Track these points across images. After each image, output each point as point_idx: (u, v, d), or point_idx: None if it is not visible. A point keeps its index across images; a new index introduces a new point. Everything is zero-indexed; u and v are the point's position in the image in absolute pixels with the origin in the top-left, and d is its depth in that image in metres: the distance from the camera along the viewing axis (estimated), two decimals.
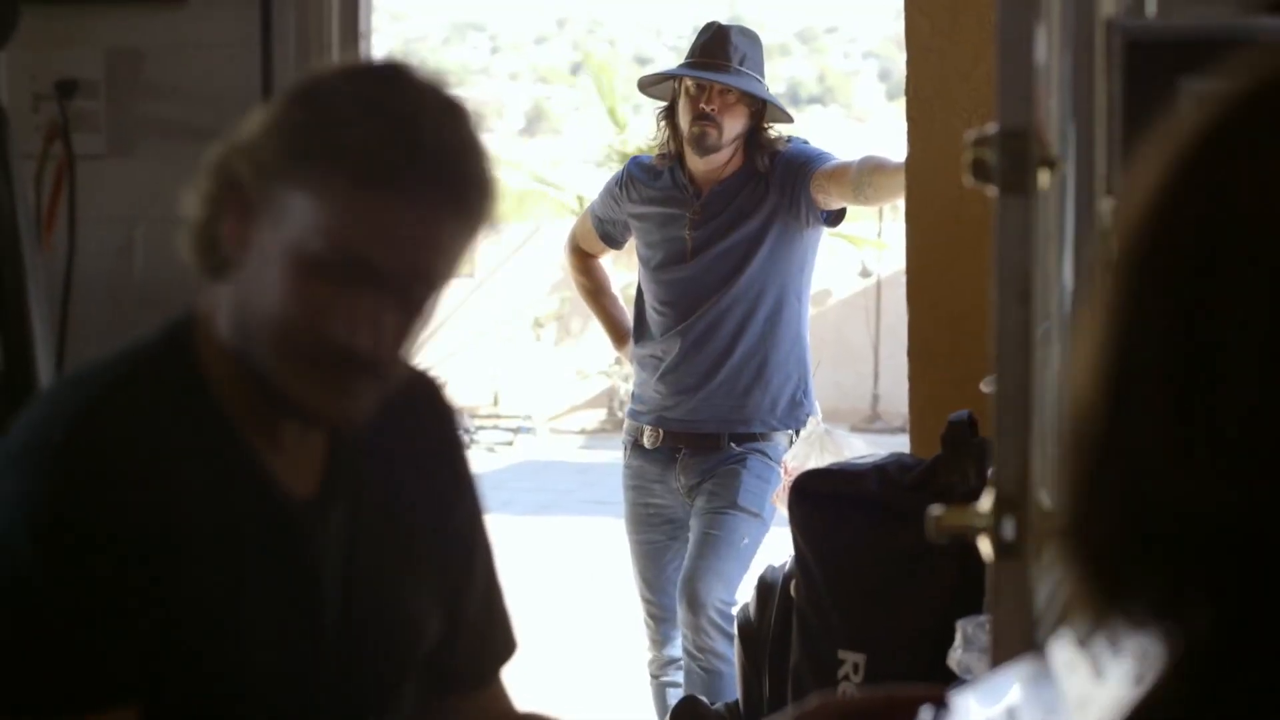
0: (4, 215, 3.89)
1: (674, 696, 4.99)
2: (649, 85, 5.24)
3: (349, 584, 1.97)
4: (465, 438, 2.16)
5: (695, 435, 5.02)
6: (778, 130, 5.06)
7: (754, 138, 5.00)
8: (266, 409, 1.90)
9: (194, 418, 1.90)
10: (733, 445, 4.98)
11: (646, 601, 5.17)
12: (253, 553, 1.89)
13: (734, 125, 4.96)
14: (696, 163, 5.02)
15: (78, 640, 1.78)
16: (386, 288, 1.84)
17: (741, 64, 4.97)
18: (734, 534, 4.90)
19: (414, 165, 1.81)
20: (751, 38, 5.09)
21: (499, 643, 2.20)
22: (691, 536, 4.98)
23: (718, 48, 5.00)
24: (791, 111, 5.24)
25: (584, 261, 5.54)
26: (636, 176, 5.19)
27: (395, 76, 1.86)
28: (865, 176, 4.78)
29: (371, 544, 2.00)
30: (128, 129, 4.46)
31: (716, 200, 5.00)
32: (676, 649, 5.07)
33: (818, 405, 5.13)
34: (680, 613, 4.91)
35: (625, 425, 5.27)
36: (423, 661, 2.07)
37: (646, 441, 5.10)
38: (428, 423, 2.11)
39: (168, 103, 4.35)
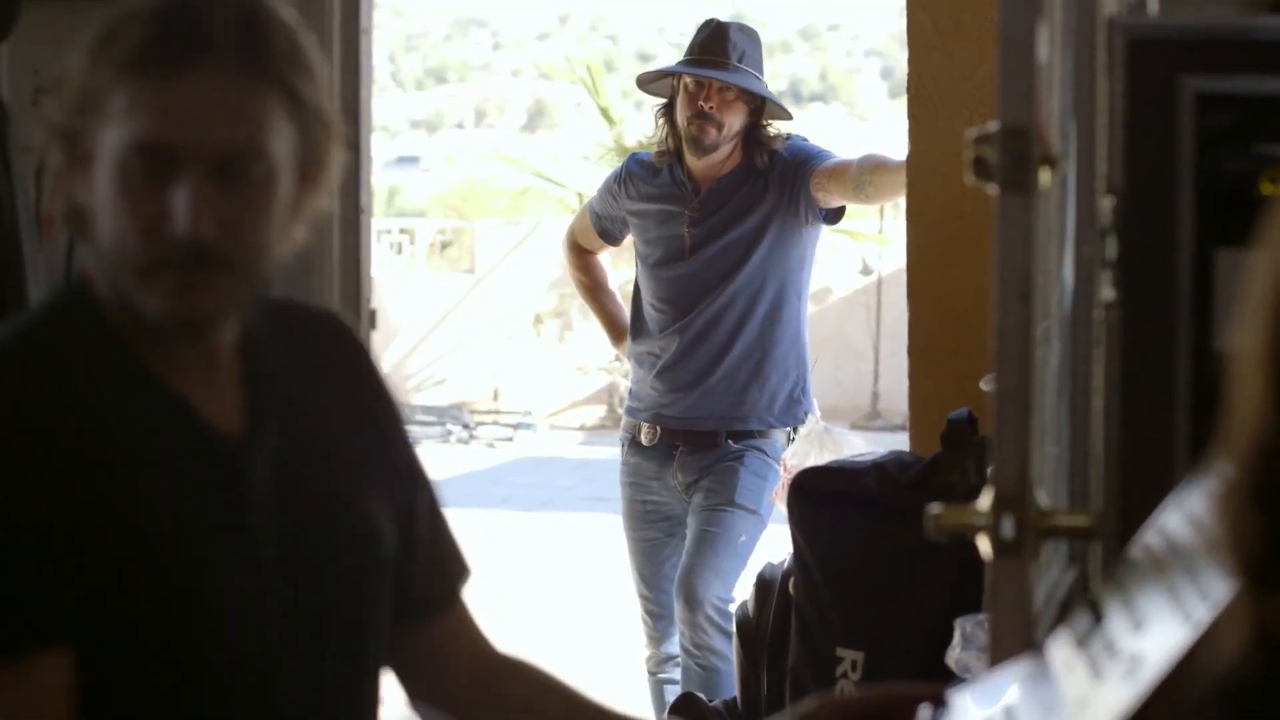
0: (4, 209, 3.88)
1: (671, 694, 4.99)
2: (648, 82, 5.24)
3: (291, 507, 1.95)
4: (380, 371, 2.16)
5: (693, 432, 5.02)
6: (777, 128, 5.06)
7: (753, 135, 4.99)
8: (160, 340, 1.89)
9: (106, 357, 1.90)
10: (730, 442, 4.98)
11: (644, 598, 5.17)
12: (184, 484, 1.87)
13: (733, 122, 4.96)
14: (695, 160, 5.02)
15: (4, 584, 1.77)
16: (195, 169, 1.81)
17: (740, 61, 4.97)
18: (731, 531, 4.90)
19: (190, 38, 1.81)
20: (750, 35, 5.09)
21: (454, 563, 2.19)
22: (689, 533, 4.98)
23: (717, 45, 5.00)
24: (793, 109, 5.24)
25: (582, 258, 5.54)
26: (635, 173, 5.19)
27: None
28: (866, 175, 4.78)
29: (307, 467, 1.99)
30: None
31: (715, 198, 5.00)
32: (674, 646, 5.07)
33: (816, 403, 5.13)
34: (678, 610, 4.91)
35: (623, 422, 5.27)
36: (385, 578, 2.06)
37: (644, 438, 5.09)
38: (340, 354, 2.11)
39: None
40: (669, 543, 5.10)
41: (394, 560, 2.06)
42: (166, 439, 1.88)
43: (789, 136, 5.05)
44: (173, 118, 1.80)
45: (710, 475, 4.97)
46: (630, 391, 5.25)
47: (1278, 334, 0.97)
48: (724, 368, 4.98)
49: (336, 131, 1.92)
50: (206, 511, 1.88)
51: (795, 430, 4.98)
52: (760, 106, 5.01)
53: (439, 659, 2.16)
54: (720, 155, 4.99)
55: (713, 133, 4.95)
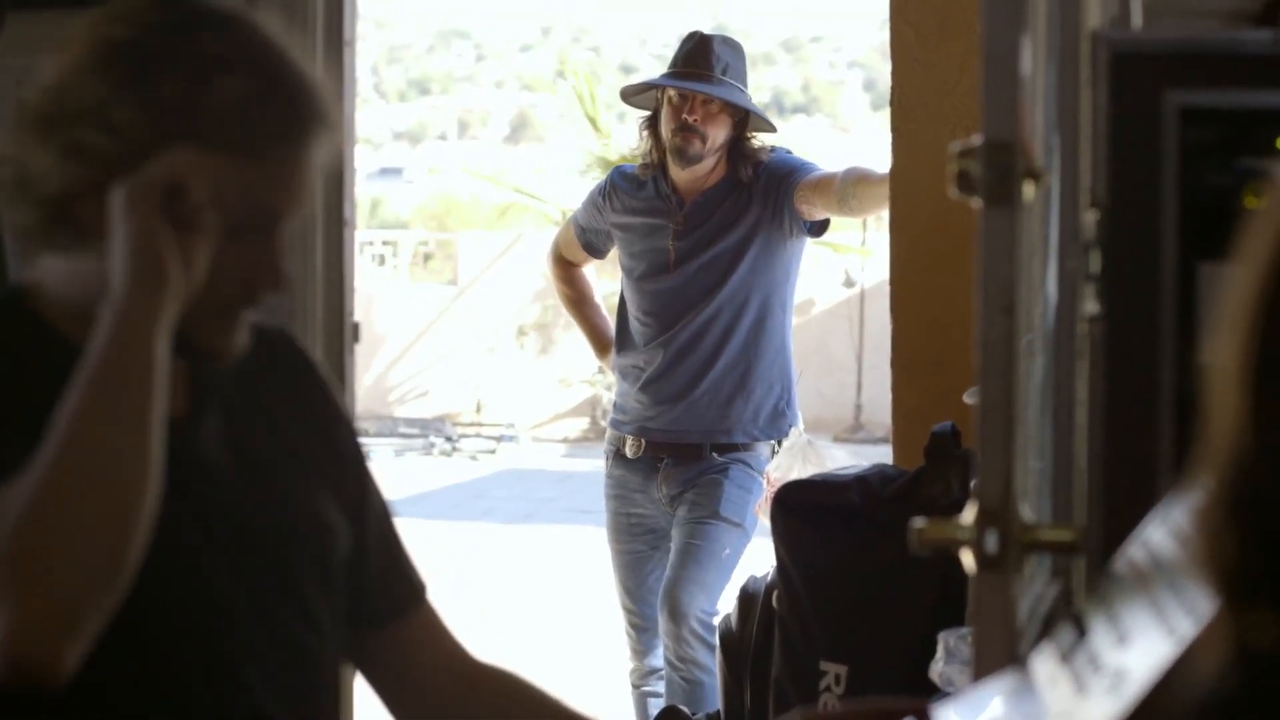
0: None
1: (655, 707, 4.98)
2: (632, 95, 5.25)
3: (234, 488, 1.98)
4: (329, 382, 2.19)
5: (677, 445, 5.02)
6: (761, 140, 5.06)
7: (737, 148, 5.00)
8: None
9: (44, 349, 1.93)
10: (715, 455, 4.98)
11: (628, 611, 5.17)
12: None
13: (716, 135, 4.96)
14: (679, 173, 5.02)
15: None
16: (280, 227, 1.93)
17: (724, 74, 4.98)
18: (716, 544, 4.90)
19: (284, 111, 1.90)
20: (734, 47, 5.09)
21: (408, 570, 2.21)
22: (673, 546, 4.97)
23: (700, 57, 5.00)
24: (776, 121, 5.24)
25: (567, 270, 5.54)
26: (620, 186, 5.19)
27: (203, 19, 1.91)
28: (850, 188, 4.78)
29: (251, 453, 2.02)
30: None
31: (699, 211, 5.00)
32: (658, 659, 5.06)
33: (800, 415, 5.13)
34: (662, 622, 4.91)
35: (607, 435, 5.27)
36: (339, 574, 2.07)
37: (629, 451, 5.09)
38: (288, 364, 2.15)
39: None
40: (653, 556, 5.10)
41: (345, 558, 2.08)
42: None
43: (773, 149, 5.05)
44: (285, 187, 1.92)
45: (695, 488, 4.97)
46: (615, 404, 5.24)
47: (1255, 348, 0.97)
48: (709, 381, 4.98)
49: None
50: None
51: (780, 443, 4.98)
52: (744, 119, 5.02)
53: (408, 664, 2.18)
54: (704, 168, 5.00)
55: (697, 144, 4.95)
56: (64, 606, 1.71)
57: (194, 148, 1.85)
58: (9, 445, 1.82)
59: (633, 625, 5.16)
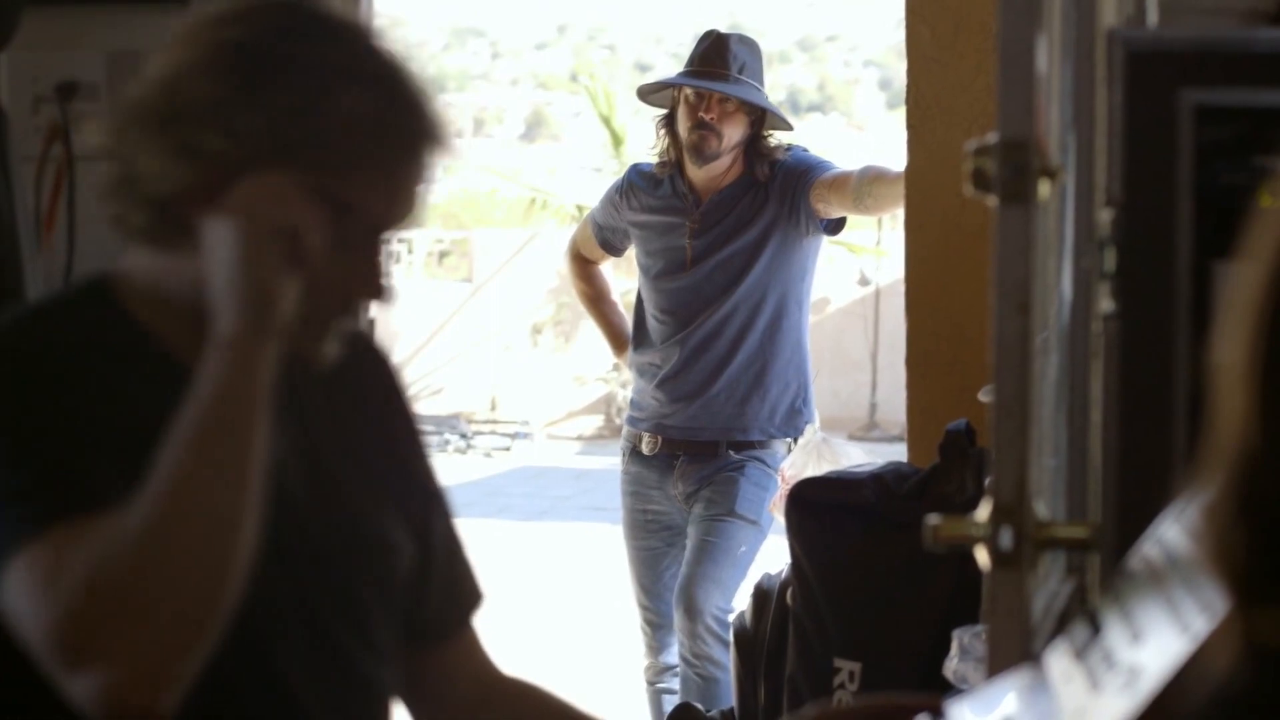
0: (3, 217, 3.88)
1: (670, 703, 4.99)
2: (648, 94, 5.25)
3: (306, 501, 1.95)
4: (406, 391, 2.18)
5: (694, 443, 5.02)
6: (778, 139, 5.06)
7: (753, 146, 5.00)
8: (184, 333, 1.90)
9: (128, 343, 1.91)
10: (731, 453, 4.98)
11: (643, 608, 5.17)
12: None
13: (733, 133, 4.96)
14: (696, 171, 5.02)
15: (45, 457, 1.78)
16: (385, 238, 1.92)
17: (740, 72, 4.98)
18: (732, 541, 4.90)
19: (408, 124, 1.89)
20: (750, 46, 5.09)
21: (468, 589, 2.20)
22: (689, 543, 4.98)
23: (717, 56, 5.00)
24: (791, 119, 5.24)
25: (584, 268, 5.54)
26: (637, 184, 5.19)
27: (328, 26, 1.89)
28: (866, 186, 4.78)
29: (324, 467, 1.99)
30: None
31: (716, 209, 5.00)
32: (673, 656, 5.07)
33: (816, 413, 5.13)
34: (677, 619, 4.91)
35: (624, 432, 5.27)
36: (400, 596, 2.06)
37: (645, 448, 5.10)
38: (368, 371, 2.14)
39: None
40: (669, 553, 5.10)
41: (409, 579, 2.06)
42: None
43: (789, 147, 5.05)
44: (396, 200, 1.91)
45: (711, 485, 4.97)
46: (631, 401, 5.25)
47: (1262, 346, 0.97)
48: (725, 378, 4.98)
49: None
50: None
51: (796, 440, 4.98)
52: (761, 118, 5.01)
53: (445, 682, 2.16)
54: (721, 166, 5.00)
55: (713, 143, 4.95)
56: (164, 657, 1.69)
57: (309, 163, 1.83)
58: (93, 452, 1.80)
59: (648, 622, 5.16)
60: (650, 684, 5.19)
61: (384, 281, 1.92)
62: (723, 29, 5.19)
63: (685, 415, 5.03)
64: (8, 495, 1.77)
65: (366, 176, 1.87)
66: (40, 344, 1.87)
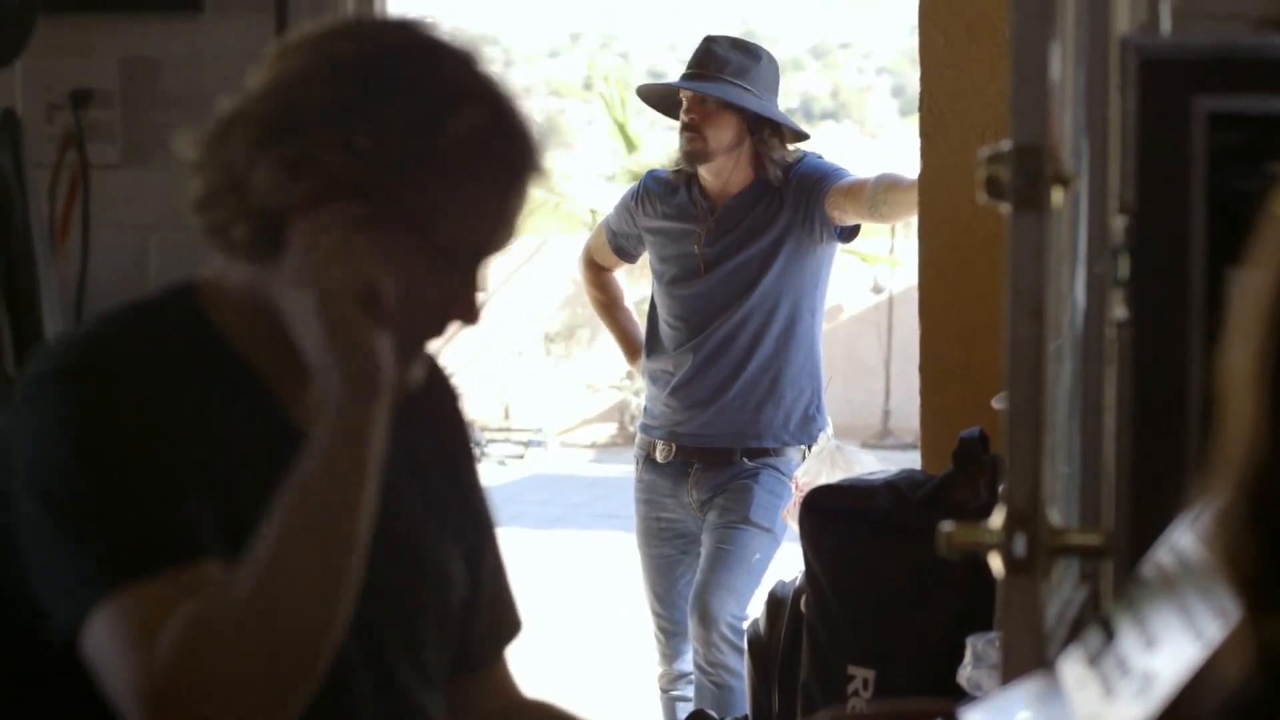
0: (18, 224, 3.90)
1: (683, 711, 5.00)
2: (646, 101, 5.32)
3: (378, 531, 1.92)
4: (467, 418, 2.18)
5: (707, 450, 5.02)
6: (793, 145, 5.06)
7: (761, 150, 4.99)
8: (294, 368, 1.89)
9: (212, 358, 1.90)
10: (745, 460, 4.98)
11: (657, 616, 5.17)
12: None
13: (718, 134, 4.98)
14: (709, 178, 5.03)
15: (141, 505, 1.76)
16: (483, 263, 1.92)
17: (723, 72, 4.98)
18: (746, 549, 4.90)
19: (518, 148, 1.89)
20: (746, 49, 5.07)
21: (509, 620, 2.20)
22: (703, 551, 4.98)
23: (705, 58, 5.05)
24: (805, 127, 5.24)
25: (598, 275, 5.55)
26: (652, 191, 5.20)
27: (441, 46, 1.88)
28: (881, 194, 4.78)
29: (392, 494, 1.97)
30: (142, 139, 4.47)
31: (730, 215, 5.01)
32: (687, 663, 5.07)
33: (830, 421, 5.13)
34: (691, 627, 4.91)
35: (637, 439, 5.27)
36: (452, 628, 2.06)
37: (659, 456, 5.10)
38: (434, 398, 2.12)
39: (182, 112, 4.35)
40: (683, 560, 5.11)
41: (460, 610, 2.08)
42: (265, 439, 1.89)
43: (804, 155, 5.05)
44: (497, 224, 1.90)
45: (725, 493, 4.97)
46: (645, 409, 5.25)
47: (1271, 353, 0.97)
48: (739, 385, 4.98)
49: None
50: None
51: (809, 448, 4.99)
52: (761, 121, 5.00)
53: (474, 709, 2.16)
54: (725, 170, 5.00)
55: (698, 144, 4.98)
56: (263, 714, 1.71)
57: (418, 182, 1.83)
58: (185, 492, 1.79)
59: (661, 630, 5.16)
60: (664, 691, 5.19)
61: (477, 306, 1.92)
62: (730, 35, 5.20)
63: (699, 422, 5.03)
64: (97, 537, 1.76)
65: (471, 199, 1.86)
66: (130, 369, 1.84)
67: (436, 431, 2.11)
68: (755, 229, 4.97)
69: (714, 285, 5.00)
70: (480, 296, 1.92)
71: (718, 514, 4.96)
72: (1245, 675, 0.98)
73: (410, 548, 2.01)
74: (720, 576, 4.88)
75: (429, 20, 1.91)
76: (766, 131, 5.01)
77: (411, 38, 1.89)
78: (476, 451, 2.20)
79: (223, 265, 1.93)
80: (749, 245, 4.97)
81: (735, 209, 5.01)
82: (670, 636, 5.14)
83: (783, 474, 4.96)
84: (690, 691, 5.05)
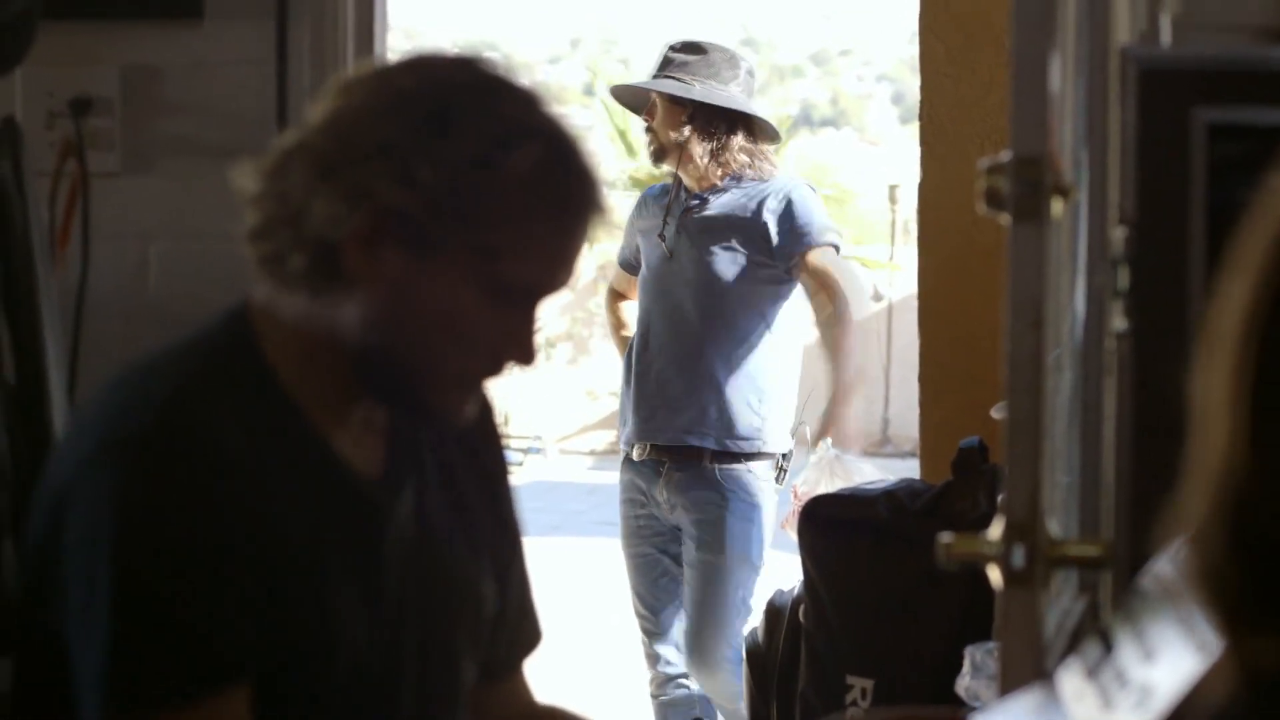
0: (18, 232, 3.89)
1: (674, 714, 5.01)
2: (626, 108, 5.38)
3: (421, 559, 1.97)
4: (502, 434, 2.19)
5: (677, 448, 5.03)
6: (766, 154, 5.06)
7: (710, 140, 5.00)
8: (342, 401, 1.91)
9: (266, 406, 1.89)
10: (716, 466, 4.96)
11: (640, 617, 5.19)
12: (333, 533, 1.88)
13: (665, 131, 5.03)
14: (685, 179, 5.08)
15: (185, 626, 1.76)
16: (541, 301, 1.91)
17: (666, 70, 5.02)
18: (728, 586, 4.94)
19: (578, 187, 1.88)
20: (698, 49, 5.08)
21: (531, 631, 2.24)
22: (687, 588, 5.01)
23: (658, 63, 5.10)
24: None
25: (615, 300, 5.61)
26: (647, 198, 5.30)
27: (502, 84, 1.89)
28: (825, 324, 4.90)
29: (437, 522, 2.01)
30: (142, 147, 4.46)
31: (700, 207, 5.02)
32: (673, 667, 5.09)
33: (808, 427, 5.13)
34: (690, 667, 4.99)
35: (622, 437, 5.33)
36: (482, 642, 2.09)
37: (635, 454, 5.14)
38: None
39: (183, 121, 4.35)
40: (662, 560, 5.13)
41: (488, 624, 2.10)
42: (317, 487, 1.90)
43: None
44: (555, 262, 1.89)
45: (696, 520, 4.96)
46: (620, 408, 5.31)
47: (1251, 367, 0.95)
48: (708, 386, 4.97)
49: None
50: (351, 557, 1.90)
51: (784, 458, 5.00)
52: (711, 112, 4.99)
53: (492, 714, 2.19)
54: (689, 168, 5.03)
55: (654, 141, 5.05)
56: None
57: (478, 219, 1.82)
58: (230, 501, 1.80)
59: (645, 631, 5.18)
60: (654, 697, 5.20)
61: (533, 346, 1.91)
62: (733, 44, 5.23)
63: (660, 420, 5.04)
64: (139, 651, 1.77)
65: (529, 236, 1.85)
66: (193, 444, 1.81)
67: (475, 447, 2.13)
68: (721, 229, 4.96)
69: (674, 273, 5.00)
70: (534, 335, 1.92)
71: (695, 547, 4.97)
72: (1231, 696, 0.97)
73: (450, 564, 2.04)
74: (707, 618, 4.94)
75: (491, 58, 1.92)
76: (716, 120, 4.99)
77: (473, 75, 1.89)
78: (508, 467, 2.20)
79: (273, 291, 1.92)
80: (713, 243, 4.97)
81: (705, 203, 5.01)
82: (653, 638, 5.16)
83: (752, 496, 4.96)
84: (680, 694, 5.09)
